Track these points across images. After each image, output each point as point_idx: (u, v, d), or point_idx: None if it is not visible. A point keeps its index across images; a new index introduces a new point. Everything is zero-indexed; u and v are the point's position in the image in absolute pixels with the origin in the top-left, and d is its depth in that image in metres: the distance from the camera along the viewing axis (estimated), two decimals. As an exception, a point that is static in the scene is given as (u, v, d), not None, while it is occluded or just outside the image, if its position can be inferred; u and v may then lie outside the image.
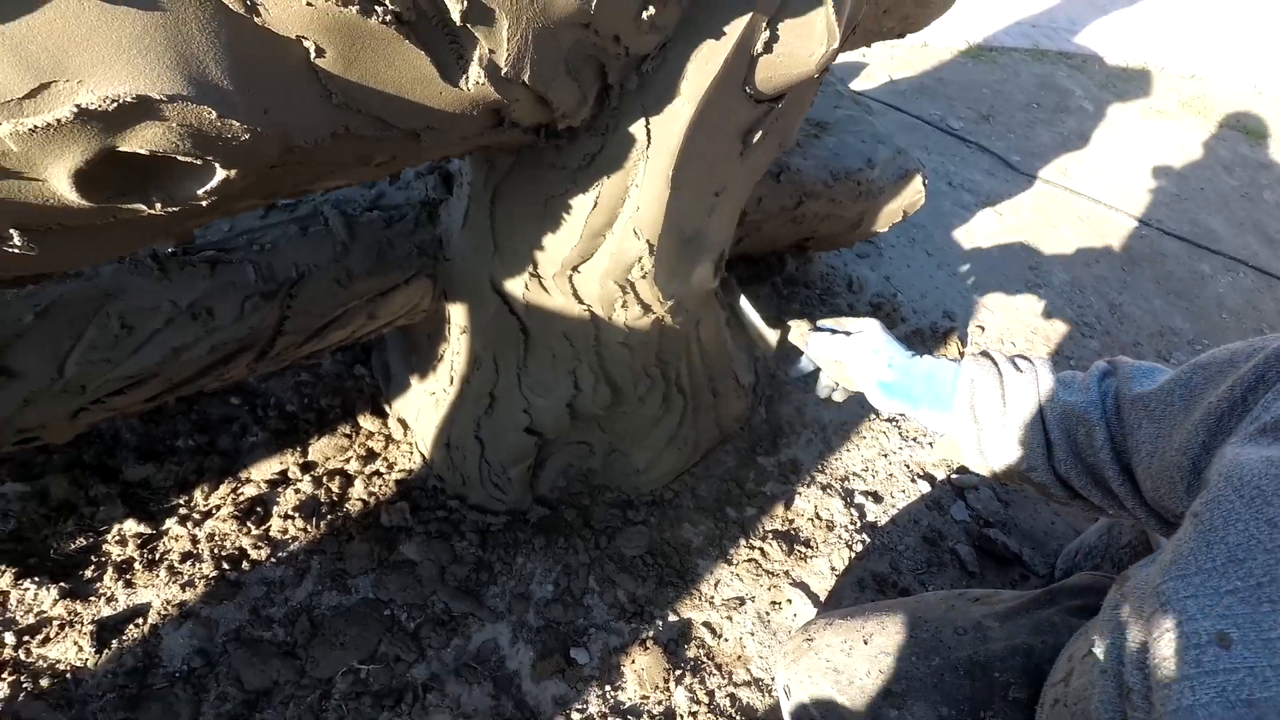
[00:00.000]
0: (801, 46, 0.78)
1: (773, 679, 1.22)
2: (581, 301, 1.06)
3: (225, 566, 1.16)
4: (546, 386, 1.19)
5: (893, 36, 1.21)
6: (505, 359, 1.18)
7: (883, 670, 0.88)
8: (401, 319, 1.18)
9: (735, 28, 0.76)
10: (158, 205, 0.53)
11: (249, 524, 1.21)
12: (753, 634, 1.26)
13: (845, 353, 0.98)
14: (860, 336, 0.97)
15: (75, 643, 1.04)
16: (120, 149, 0.47)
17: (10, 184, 0.47)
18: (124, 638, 1.07)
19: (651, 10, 0.69)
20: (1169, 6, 4.43)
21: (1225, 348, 0.72)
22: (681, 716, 1.15)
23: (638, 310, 1.08)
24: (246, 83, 0.50)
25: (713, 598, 1.30)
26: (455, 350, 1.23)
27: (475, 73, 0.61)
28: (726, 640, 1.25)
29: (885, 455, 1.61)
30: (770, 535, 1.40)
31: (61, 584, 1.09)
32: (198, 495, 1.23)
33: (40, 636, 1.05)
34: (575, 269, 1.01)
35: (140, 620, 1.09)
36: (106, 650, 1.05)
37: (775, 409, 1.61)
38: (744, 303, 1.16)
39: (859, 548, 1.42)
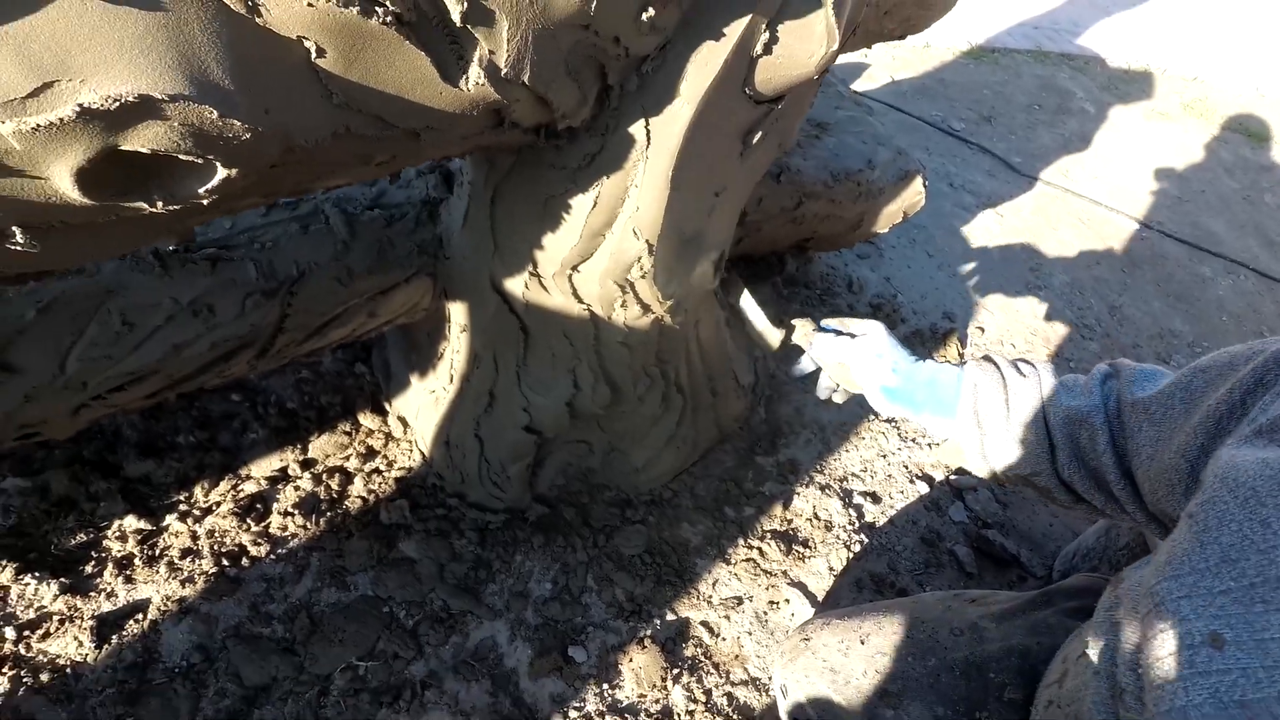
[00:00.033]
0: (801, 48, 0.79)
1: (770, 678, 1.22)
2: (581, 301, 1.06)
3: (225, 563, 1.16)
4: (546, 385, 1.20)
5: (893, 38, 1.21)
6: (505, 358, 1.19)
7: (879, 670, 0.88)
8: (402, 317, 1.19)
9: (735, 29, 0.76)
10: (159, 203, 0.53)
11: (249, 520, 1.21)
12: (750, 633, 1.27)
13: (849, 355, 0.98)
14: (864, 339, 0.97)
15: (75, 638, 1.05)
16: (122, 148, 0.47)
17: (13, 182, 0.47)
18: (124, 633, 1.07)
19: (651, 12, 0.69)
20: (1171, 9, 4.43)
21: (1225, 351, 0.73)
22: (679, 715, 1.15)
23: (637, 310, 1.08)
24: (248, 82, 0.50)
25: (711, 597, 1.30)
26: (455, 349, 1.23)
27: (475, 73, 0.62)
28: (724, 639, 1.25)
29: (884, 456, 1.61)
30: (768, 535, 1.40)
31: (62, 579, 1.09)
32: (198, 491, 1.24)
33: (40, 631, 1.05)
34: (575, 268, 1.01)
35: (140, 616, 1.09)
36: (106, 645, 1.06)
37: (774, 409, 1.62)
38: (748, 300, 1.16)
39: (857, 548, 1.42)
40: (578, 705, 1.13)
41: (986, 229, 2.38)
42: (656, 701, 1.16)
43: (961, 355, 1.90)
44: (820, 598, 1.34)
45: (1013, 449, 0.84)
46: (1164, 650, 0.54)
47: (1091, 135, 3.04)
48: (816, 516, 1.45)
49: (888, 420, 1.68)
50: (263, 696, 1.05)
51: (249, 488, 1.25)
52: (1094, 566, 1.32)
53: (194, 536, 1.18)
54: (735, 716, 1.17)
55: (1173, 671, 0.53)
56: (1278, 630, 0.50)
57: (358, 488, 1.29)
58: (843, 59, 2.60)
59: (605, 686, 1.16)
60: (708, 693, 1.18)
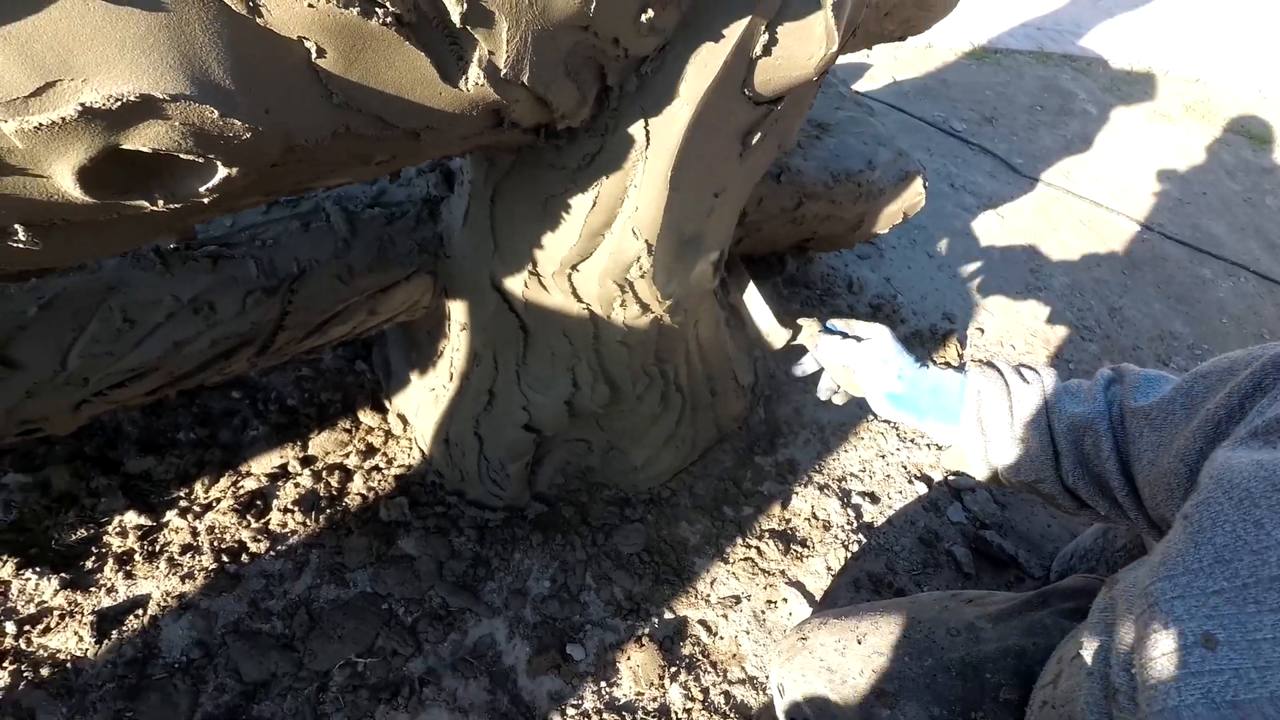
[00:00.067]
0: (800, 50, 0.79)
1: (767, 677, 1.22)
2: (580, 300, 1.07)
3: (225, 559, 1.16)
4: (545, 384, 1.20)
5: (894, 39, 1.21)
6: (504, 356, 1.19)
7: (876, 670, 0.89)
8: (402, 315, 1.19)
9: (734, 30, 0.76)
10: (160, 202, 0.53)
11: (249, 517, 1.22)
12: (748, 632, 1.27)
13: (855, 359, 0.98)
14: (870, 344, 0.97)
15: (75, 633, 1.05)
16: (124, 147, 0.48)
17: (15, 180, 0.48)
18: (124, 628, 1.08)
19: (651, 13, 0.70)
20: (1174, 10, 4.42)
21: (1225, 356, 0.73)
22: (676, 713, 1.15)
23: (636, 309, 1.08)
24: (248, 82, 0.50)
25: (709, 596, 1.30)
26: (455, 347, 1.23)
27: (475, 74, 0.62)
28: (722, 638, 1.26)
29: (883, 456, 1.61)
30: (767, 534, 1.40)
31: (62, 574, 1.10)
32: (198, 488, 1.24)
33: (41, 626, 1.06)
34: (574, 268, 1.02)
35: (140, 611, 1.10)
36: (106, 641, 1.06)
37: (774, 409, 1.62)
38: (753, 293, 1.14)
39: (855, 548, 1.42)
40: (575, 703, 1.14)
41: (987, 230, 2.38)
42: (654, 700, 1.16)
43: (961, 356, 1.90)
44: (818, 597, 1.34)
45: (1017, 455, 0.84)
46: (1157, 651, 0.54)
47: (1093, 136, 3.04)
48: (815, 516, 1.46)
49: (886, 421, 1.68)
50: (262, 692, 1.06)
51: (249, 484, 1.26)
52: (1091, 568, 1.33)
53: (194, 532, 1.19)
54: (732, 715, 1.17)
55: (1165, 672, 0.53)
56: (1270, 631, 0.50)
57: (357, 485, 1.30)
58: (844, 59, 2.60)
59: (603, 684, 1.17)
60: (705, 691, 1.19)
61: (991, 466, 0.88)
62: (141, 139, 0.47)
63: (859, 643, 0.92)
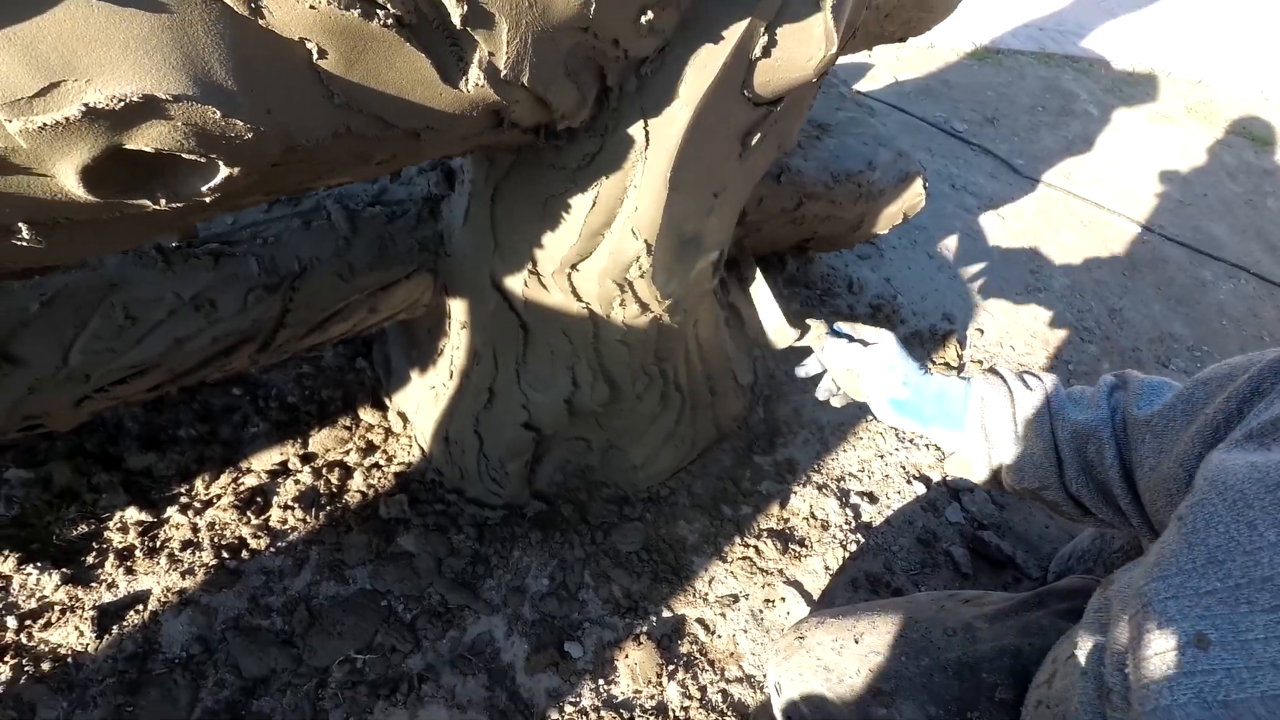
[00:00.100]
0: (800, 51, 0.79)
1: (764, 676, 1.23)
2: (580, 299, 1.07)
3: (225, 555, 1.17)
4: (545, 382, 1.20)
5: (894, 40, 1.22)
6: (504, 354, 1.20)
7: (872, 669, 0.89)
8: (403, 313, 1.19)
9: (734, 32, 0.76)
10: (163, 201, 0.54)
11: (249, 514, 1.22)
12: (746, 631, 1.28)
13: (860, 363, 0.98)
14: (876, 349, 0.98)
15: (76, 628, 1.06)
16: (127, 146, 0.48)
17: (20, 179, 0.48)
18: (124, 624, 1.08)
19: (650, 15, 0.70)
20: (1177, 11, 4.41)
21: (1226, 362, 0.73)
22: (674, 711, 1.16)
23: (636, 309, 1.09)
24: (250, 83, 0.51)
25: (707, 594, 1.31)
26: (455, 345, 1.24)
27: (475, 75, 0.62)
28: (720, 637, 1.26)
29: (881, 456, 1.61)
30: (765, 534, 1.41)
31: (63, 569, 1.10)
32: (199, 484, 1.25)
33: (42, 621, 1.06)
34: (574, 267, 1.02)
35: (140, 607, 1.10)
36: (107, 636, 1.07)
37: (773, 409, 1.62)
38: (761, 286, 1.13)
39: (853, 547, 1.43)
40: (573, 700, 1.14)
41: (988, 231, 2.38)
42: (652, 698, 1.17)
43: (960, 357, 1.90)
44: (816, 596, 1.35)
45: (1021, 462, 0.85)
46: (1150, 650, 0.55)
47: (1094, 137, 3.03)
48: (813, 516, 1.46)
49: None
50: (261, 688, 1.07)
51: (249, 481, 1.26)
52: (1089, 569, 1.33)
53: (194, 529, 1.19)
54: (730, 713, 1.17)
55: (1158, 671, 0.54)
56: (1262, 631, 0.51)
57: (357, 482, 1.30)
58: (845, 59, 2.60)
59: (601, 682, 1.17)
60: (703, 689, 1.19)
61: (995, 473, 0.89)
62: (144, 139, 0.48)
63: (856, 642, 0.92)
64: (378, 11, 0.53)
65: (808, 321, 1.05)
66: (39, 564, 1.10)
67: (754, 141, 0.94)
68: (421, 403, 1.34)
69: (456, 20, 0.58)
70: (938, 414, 0.92)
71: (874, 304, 1.95)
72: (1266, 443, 0.59)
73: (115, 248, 0.68)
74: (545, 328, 1.14)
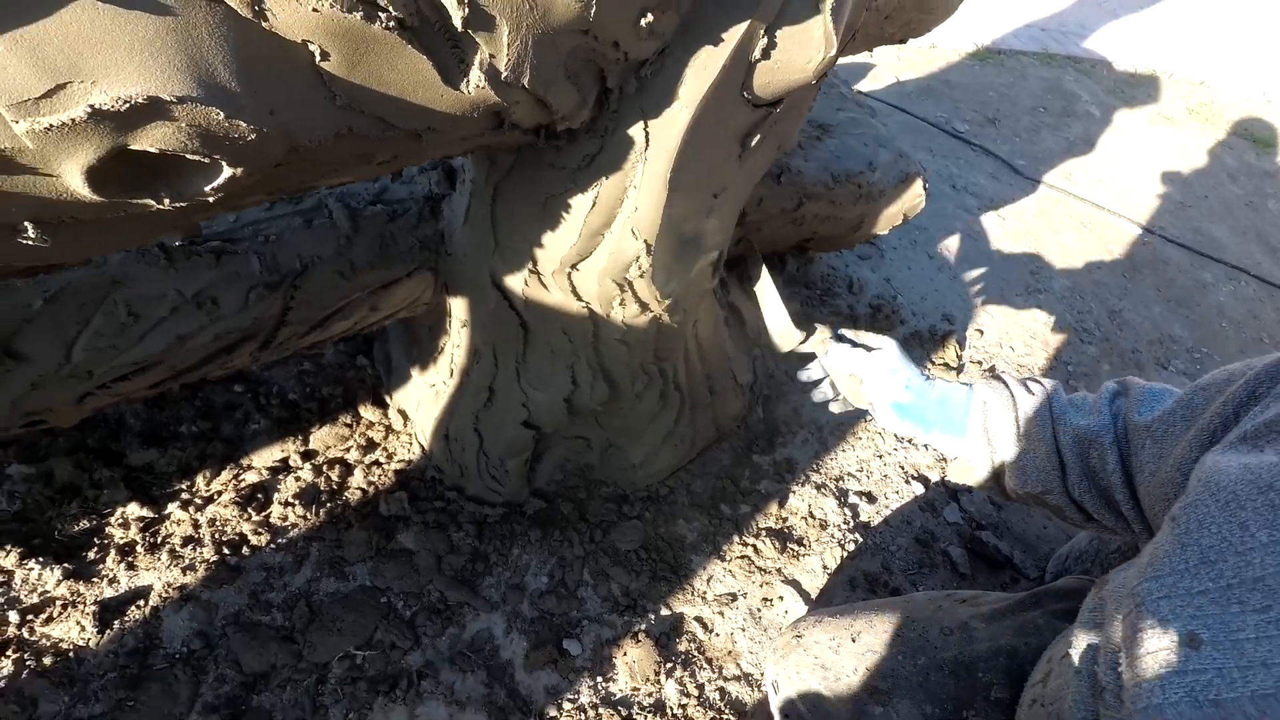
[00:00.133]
0: (799, 53, 0.80)
1: (762, 674, 1.23)
2: (580, 299, 1.07)
3: (226, 551, 1.18)
4: (545, 381, 1.21)
5: (894, 42, 1.22)
6: (504, 353, 1.20)
7: (869, 668, 0.90)
8: (403, 311, 1.20)
9: (733, 34, 0.77)
10: (166, 201, 0.54)
11: (250, 510, 1.23)
12: (744, 630, 1.28)
13: (863, 368, 0.99)
14: (879, 354, 0.98)
15: (78, 623, 1.07)
16: (131, 147, 0.49)
17: (26, 179, 0.49)
18: (125, 619, 1.09)
19: (650, 17, 0.71)
20: (1179, 12, 4.41)
21: (1225, 368, 0.74)
22: (671, 709, 1.16)
23: (635, 308, 1.09)
24: (253, 85, 0.51)
25: (705, 593, 1.31)
26: (455, 343, 1.24)
27: (476, 76, 0.63)
28: (718, 635, 1.27)
29: (880, 456, 1.62)
30: (764, 533, 1.41)
31: (65, 565, 1.11)
32: (200, 480, 1.25)
33: (44, 616, 1.07)
34: (574, 267, 1.03)
35: (141, 602, 1.11)
36: (108, 631, 1.07)
37: (772, 408, 1.63)
38: (767, 284, 1.13)
39: (851, 547, 1.43)
40: (572, 697, 1.15)
41: (988, 231, 2.38)
42: (650, 695, 1.17)
43: (960, 357, 1.90)
44: (813, 595, 1.35)
45: (1023, 468, 0.85)
46: (1143, 649, 0.55)
47: (1096, 139, 3.04)
48: (812, 515, 1.47)
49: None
50: (261, 683, 1.07)
51: (250, 477, 1.27)
52: (1086, 569, 1.34)
53: (195, 525, 1.20)
54: (727, 711, 1.18)
55: (1151, 670, 0.54)
56: (1253, 631, 0.51)
57: (357, 479, 1.31)
58: (847, 60, 2.61)
59: (599, 679, 1.18)
60: (700, 687, 1.20)
61: (997, 478, 0.89)
62: (149, 140, 0.48)
63: (853, 640, 0.93)
64: (380, 14, 0.54)
65: (815, 325, 1.06)
66: (41, 559, 1.10)
67: (754, 143, 0.95)
68: (422, 400, 1.34)
69: (458, 23, 0.58)
70: (940, 419, 0.93)
71: (874, 304, 1.96)
72: (1260, 445, 0.60)
73: (119, 246, 0.69)
74: (545, 327, 1.15)
